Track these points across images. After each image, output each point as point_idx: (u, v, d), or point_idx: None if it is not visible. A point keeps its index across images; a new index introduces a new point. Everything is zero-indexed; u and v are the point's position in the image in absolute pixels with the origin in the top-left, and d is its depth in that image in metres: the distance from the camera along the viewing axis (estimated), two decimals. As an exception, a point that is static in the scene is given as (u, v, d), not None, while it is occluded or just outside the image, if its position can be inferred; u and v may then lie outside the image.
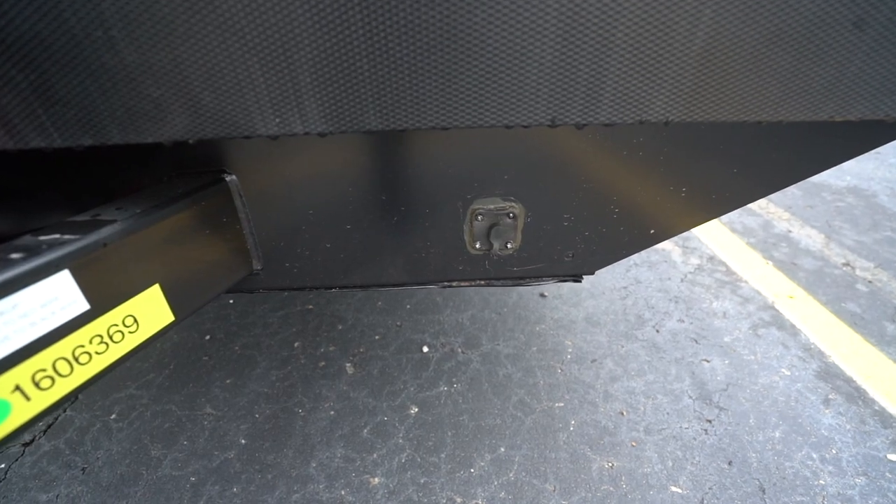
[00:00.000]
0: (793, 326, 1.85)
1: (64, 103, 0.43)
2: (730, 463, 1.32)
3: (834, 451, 1.36)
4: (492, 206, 0.68)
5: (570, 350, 1.73)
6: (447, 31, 0.42)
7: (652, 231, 0.73)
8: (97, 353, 0.52)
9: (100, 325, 0.51)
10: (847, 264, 2.26)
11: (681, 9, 0.41)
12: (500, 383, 1.60)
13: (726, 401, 1.52)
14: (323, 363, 1.70)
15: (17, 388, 0.45)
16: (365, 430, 1.45)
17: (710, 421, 1.45)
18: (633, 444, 1.38)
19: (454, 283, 0.77)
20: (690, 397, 1.53)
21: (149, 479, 1.34)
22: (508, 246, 0.71)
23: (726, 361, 1.68)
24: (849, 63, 0.46)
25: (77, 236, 0.49)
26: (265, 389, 1.61)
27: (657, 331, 1.82)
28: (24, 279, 0.44)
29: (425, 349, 1.75)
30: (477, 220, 0.69)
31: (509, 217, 0.69)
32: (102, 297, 0.51)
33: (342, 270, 0.73)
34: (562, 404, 1.51)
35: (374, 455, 1.38)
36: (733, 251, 2.38)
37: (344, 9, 0.41)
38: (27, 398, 0.46)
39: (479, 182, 0.65)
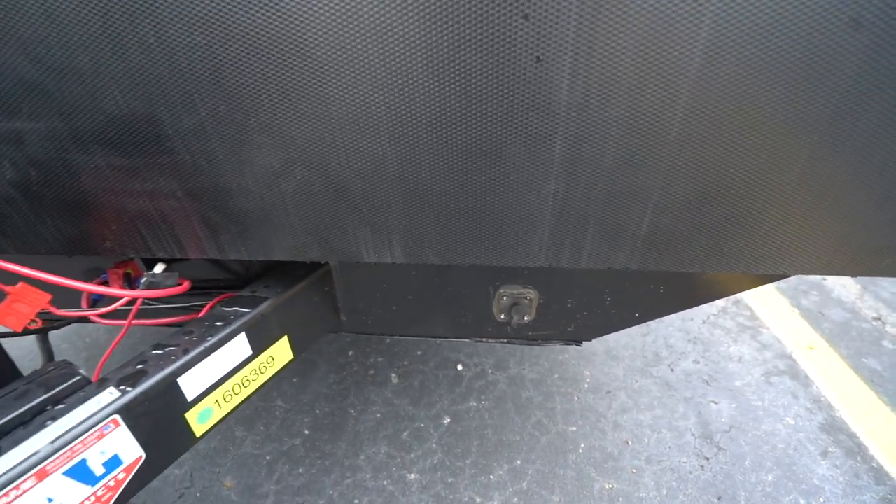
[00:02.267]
0: (806, 377, 1.96)
1: (257, 238, 0.73)
2: (719, 498, 1.50)
3: (821, 500, 1.50)
4: (514, 291, 0.93)
5: (587, 380, 1.95)
6: (485, 223, 0.68)
7: (637, 314, 0.95)
8: (252, 380, 0.83)
9: (256, 363, 0.82)
10: (878, 318, 2.30)
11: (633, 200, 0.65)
12: (523, 404, 1.84)
13: (727, 442, 1.68)
14: (372, 372, 2.01)
15: (216, 401, 0.76)
16: (405, 434, 1.74)
17: (707, 458, 1.63)
18: (634, 470, 1.58)
19: (484, 340, 1.03)
20: (693, 435, 1.71)
21: (234, 454, 1.70)
22: (525, 319, 0.96)
23: (733, 405, 1.83)
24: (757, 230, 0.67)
25: (248, 310, 0.80)
26: (324, 390, 1.94)
27: (671, 369, 1.99)
28: (225, 339, 0.75)
29: (460, 367, 2.02)
30: (503, 299, 0.94)
31: (527, 299, 0.94)
32: (258, 346, 0.82)
33: (402, 325, 1.01)
34: (574, 428, 1.74)
35: (412, 455, 1.66)
36: (761, 296, 2.47)
37: (420, 204, 0.67)
38: (220, 407, 0.77)
39: (506, 274, 0.91)
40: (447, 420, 1.79)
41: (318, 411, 1.85)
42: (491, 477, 1.58)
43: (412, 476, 1.60)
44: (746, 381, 1.94)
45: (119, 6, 0.56)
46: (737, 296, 2.47)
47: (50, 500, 0.59)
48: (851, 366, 2.02)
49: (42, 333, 1.12)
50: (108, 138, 0.67)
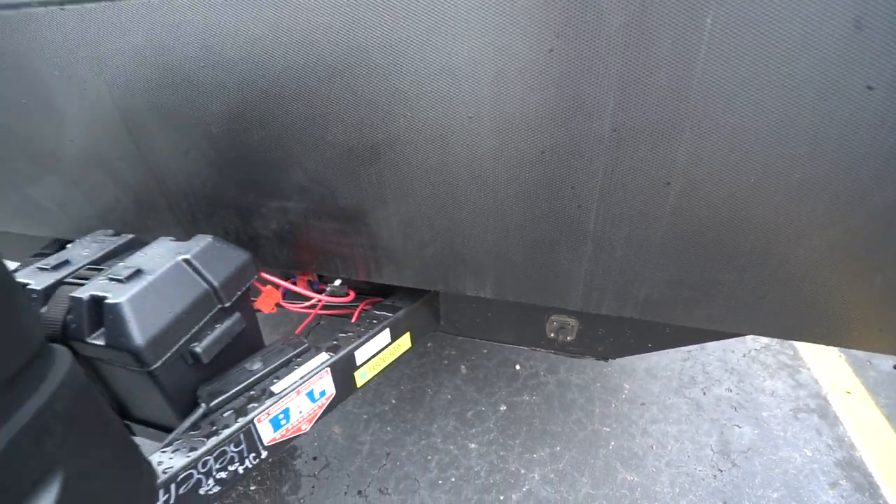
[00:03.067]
0: (836, 418, 2.15)
1: (405, 273, 1.23)
2: (724, 503, 1.81)
3: (820, 521, 1.75)
4: (561, 318, 1.35)
5: (626, 392, 2.29)
6: (541, 279, 1.11)
7: (649, 344, 1.32)
8: (388, 358, 1.34)
9: (391, 347, 1.33)
10: (929, 374, 2.38)
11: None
12: (567, 404, 2.24)
13: (742, 460, 1.97)
14: (446, 362, 2.51)
15: (369, 367, 1.28)
16: (469, 413, 2.21)
17: (721, 470, 1.93)
18: (654, 469, 1.93)
19: (538, 349, 1.46)
20: (712, 450, 2.01)
21: (340, 409, 2.27)
22: (568, 338, 1.37)
23: (756, 431, 2.09)
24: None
25: (390, 314, 1.31)
26: (408, 371, 2.46)
27: (704, 393, 2.28)
28: (379, 331, 1.26)
29: (518, 367, 2.45)
30: (553, 323, 1.37)
31: (570, 325, 1.35)
32: (394, 336, 1.32)
33: (481, 331, 1.47)
34: (608, 429, 2.11)
35: (473, 430, 2.13)
36: (808, 338, 2.62)
37: (504, 265, 1.12)
38: (370, 372, 1.28)
39: (554, 309, 1.33)
40: (503, 408, 2.23)
41: (402, 387, 2.38)
42: (534, 456, 2.01)
43: (472, 445, 2.07)
44: (773, 413, 2.17)
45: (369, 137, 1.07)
46: (784, 335, 2.64)
47: (298, 408, 1.13)
48: (886, 415, 2.17)
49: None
50: (326, 212, 1.19)
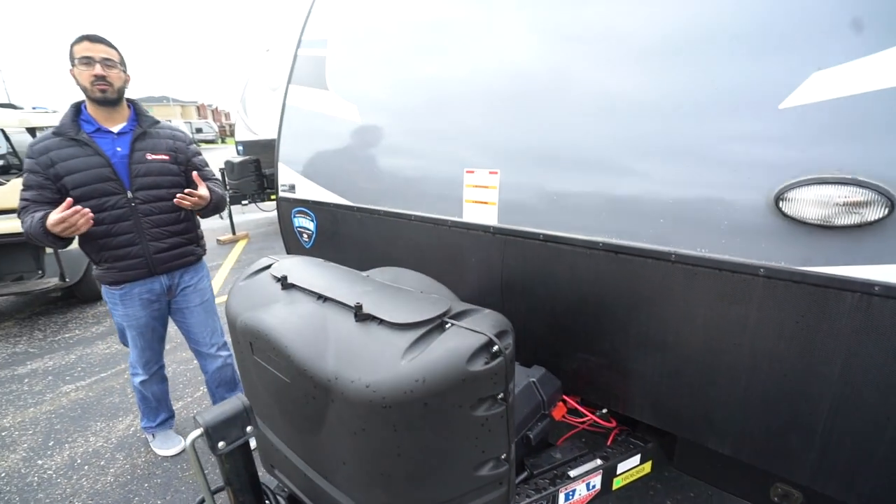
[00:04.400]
0: None
1: (659, 416, 1.81)
2: None
3: None
4: (787, 487, 1.71)
5: None
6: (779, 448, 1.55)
7: None
8: (632, 475, 1.90)
9: (636, 468, 1.89)
10: None
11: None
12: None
13: None
14: (651, 493, 2.83)
15: (619, 479, 1.86)
16: (674, 548, 2.48)
17: None
18: None
19: (760, 507, 1.82)
20: None
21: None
22: (791, 506, 1.71)
23: None
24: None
25: (642, 444, 1.89)
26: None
27: None
28: (633, 453, 1.85)
29: (725, 521, 2.61)
30: (777, 489, 1.73)
31: (794, 496, 1.69)
32: (642, 460, 1.89)
33: (709, 478, 1.90)
34: None
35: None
36: None
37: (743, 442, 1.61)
38: (620, 483, 1.86)
39: (782, 478, 1.70)
40: (709, 555, 2.43)
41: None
42: None
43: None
44: None
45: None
46: None
47: (579, 492, 1.78)
48: None
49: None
50: (608, 365, 1.89)
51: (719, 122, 1.44)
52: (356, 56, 2.74)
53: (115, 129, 2.56)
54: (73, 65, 2.41)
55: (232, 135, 25.14)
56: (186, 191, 2.55)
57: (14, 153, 8.60)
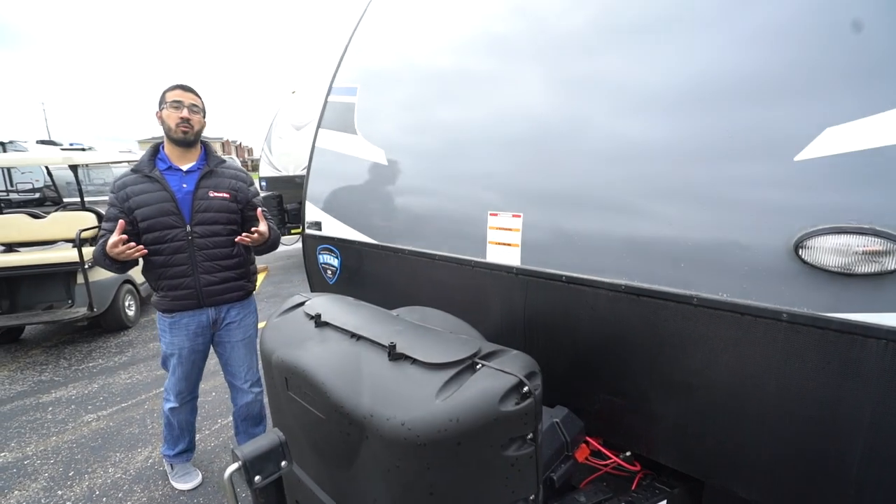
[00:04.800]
0: None
1: (686, 460, 1.79)
2: None
3: None
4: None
5: None
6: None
7: None
8: None
9: None
10: None
11: None
12: None
13: None
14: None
15: None
16: None
17: None
18: None
19: None
20: None
21: None
22: None
23: None
24: None
25: (668, 489, 1.86)
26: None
27: None
28: (660, 499, 1.82)
29: None
30: None
31: None
32: (670, 508, 1.85)
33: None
34: None
35: None
36: None
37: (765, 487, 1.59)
38: None
39: None
40: None
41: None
42: None
43: None
44: None
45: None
46: None
47: None
48: None
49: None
50: (632, 408, 1.89)
51: (738, 170, 1.51)
52: (384, 102, 2.92)
53: (185, 167, 2.79)
54: (161, 108, 2.71)
55: (254, 170, 26.08)
56: (252, 229, 2.71)
57: (54, 188, 9.05)
